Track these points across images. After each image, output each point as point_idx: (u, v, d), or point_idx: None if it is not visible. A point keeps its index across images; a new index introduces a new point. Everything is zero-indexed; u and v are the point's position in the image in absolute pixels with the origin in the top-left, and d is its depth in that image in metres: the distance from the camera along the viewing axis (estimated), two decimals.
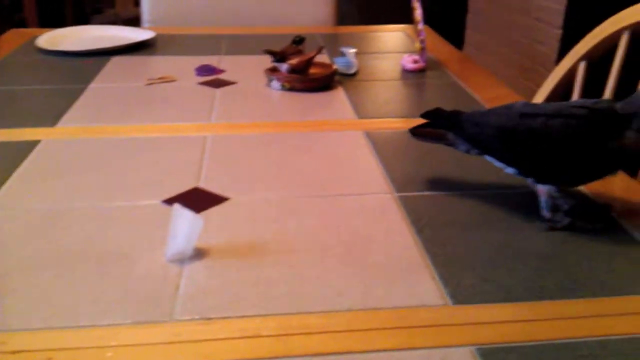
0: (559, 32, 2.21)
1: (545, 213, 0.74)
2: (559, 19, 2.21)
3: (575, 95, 1.19)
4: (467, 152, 0.80)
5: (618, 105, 0.71)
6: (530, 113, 0.74)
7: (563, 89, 1.25)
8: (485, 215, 0.76)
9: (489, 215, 0.76)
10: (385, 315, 0.58)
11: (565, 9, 2.17)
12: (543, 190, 0.74)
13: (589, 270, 0.66)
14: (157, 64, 1.42)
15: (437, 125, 0.82)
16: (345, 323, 0.57)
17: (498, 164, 0.78)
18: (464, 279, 0.64)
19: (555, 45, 2.24)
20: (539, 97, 1.27)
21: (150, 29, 1.72)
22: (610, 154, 0.69)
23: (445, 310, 0.59)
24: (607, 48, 1.18)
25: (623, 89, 1.09)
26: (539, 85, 1.40)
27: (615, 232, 0.73)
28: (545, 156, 0.72)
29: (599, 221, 0.74)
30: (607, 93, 1.12)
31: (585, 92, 1.18)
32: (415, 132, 0.84)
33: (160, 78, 1.30)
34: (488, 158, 0.79)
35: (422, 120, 0.83)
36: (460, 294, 0.62)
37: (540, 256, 0.68)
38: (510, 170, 0.77)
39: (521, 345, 0.55)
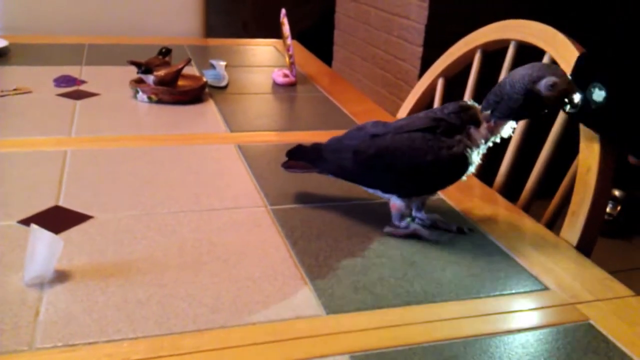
0: (420, 49, 2.34)
1: (394, 222, 0.78)
2: (419, 38, 2.34)
3: None
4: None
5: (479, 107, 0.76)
6: (379, 133, 0.76)
7: (424, 103, 1.32)
8: (355, 225, 0.78)
9: (359, 225, 0.78)
10: (261, 330, 0.58)
11: (425, 28, 2.30)
12: (395, 205, 0.77)
13: (452, 274, 0.69)
14: (11, 74, 1.32)
15: (303, 160, 0.84)
16: (219, 341, 0.56)
17: (366, 189, 0.81)
18: (338, 289, 0.65)
19: (416, 62, 2.36)
20: (403, 111, 1.34)
21: (2, 37, 1.60)
22: (458, 158, 0.73)
23: (320, 320, 0.60)
24: (462, 65, 1.26)
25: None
26: (402, 99, 1.47)
27: (475, 237, 0.78)
28: (400, 172, 0.75)
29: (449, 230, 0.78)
30: None
31: None
32: (286, 165, 0.86)
33: (14, 89, 1.21)
34: (359, 185, 0.81)
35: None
36: (334, 303, 0.62)
37: (408, 263, 0.71)
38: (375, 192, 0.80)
39: (392, 350, 0.56)
